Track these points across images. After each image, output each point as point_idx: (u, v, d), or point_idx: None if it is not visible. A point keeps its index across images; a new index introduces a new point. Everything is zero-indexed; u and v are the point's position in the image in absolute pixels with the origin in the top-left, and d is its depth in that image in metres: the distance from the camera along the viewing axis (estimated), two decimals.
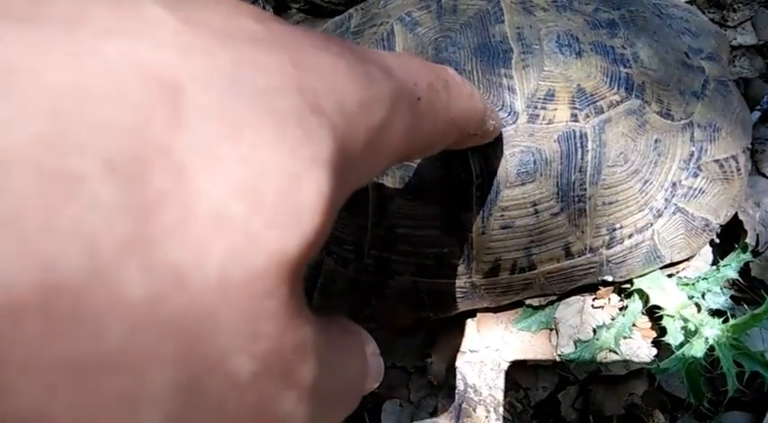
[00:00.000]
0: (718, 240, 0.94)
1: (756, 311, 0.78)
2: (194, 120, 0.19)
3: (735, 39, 1.10)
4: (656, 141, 0.74)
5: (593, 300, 0.95)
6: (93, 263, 0.17)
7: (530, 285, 0.82)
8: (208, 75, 0.20)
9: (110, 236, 0.17)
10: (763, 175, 0.94)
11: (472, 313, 0.93)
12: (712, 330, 0.81)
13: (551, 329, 0.95)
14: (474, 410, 0.91)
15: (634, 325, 0.93)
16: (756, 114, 1.02)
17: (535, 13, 0.74)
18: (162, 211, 0.18)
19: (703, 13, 1.12)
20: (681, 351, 0.80)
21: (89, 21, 0.19)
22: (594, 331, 0.91)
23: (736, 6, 1.12)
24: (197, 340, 0.19)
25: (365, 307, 0.85)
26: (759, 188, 0.93)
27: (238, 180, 0.20)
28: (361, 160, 0.27)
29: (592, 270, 0.81)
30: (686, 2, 1.08)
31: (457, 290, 0.81)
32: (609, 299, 0.95)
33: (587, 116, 0.71)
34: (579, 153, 0.71)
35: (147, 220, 0.18)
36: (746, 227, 0.88)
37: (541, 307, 0.93)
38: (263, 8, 1.10)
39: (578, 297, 0.95)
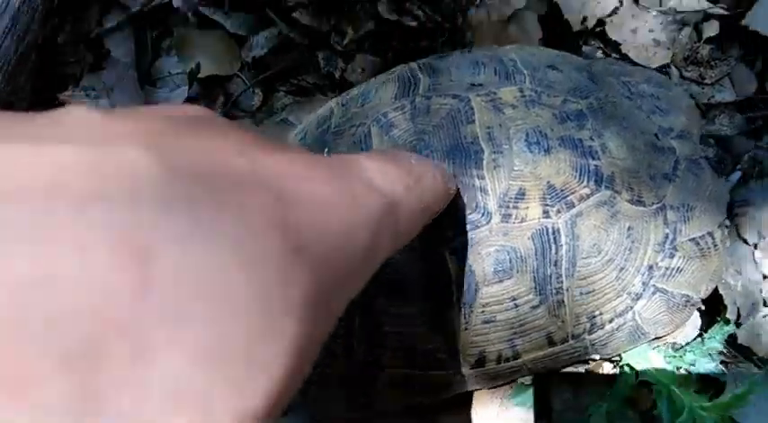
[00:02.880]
0: (704, 306, 0.95)
1: (738, 392, 0.79)
2: (163, 285, 0.19)
3: (713, 96, 1.12)
4: (628, 229, 0.76)
5: (586, 371, 0.96)
6: None
7: (517, 372, 0.83)
8: (185, 231, 0.20)
9: None
10: (744, 241, 0.95)
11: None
12: (700, 408, 0.82)
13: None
14: None
15: (628, 396, 0.93)
16: (737, 174, 1.03)
17: (504, 110, 0.76)
18: (117, 397, 0.18)
19: (680, 72, 1.14)
20: None
21: (63, 189, 0.19)
22: (587, 408, 0.92)
23: (713, 63, 1.14)
24: None
25: (360, 396, 0.86)
26: (740, 255, 0.95)
27: (201, 345, 0.20)
28: (348, 280, 0.28)
29: (577, 353, 0.82)
30: (662, 65, 1.10)
31: (447, 379, 0.83)
32: (602, 367, 0.96)
33: (559, 211, 0.73)
34: (553, 248, 0.73)
35: (100, 413, 0.18)
36: (726, 301, 0.90)
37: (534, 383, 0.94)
38: (253, 92, 1.14)
39: (571, 369, 0.96)
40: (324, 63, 1.08)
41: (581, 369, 0.96)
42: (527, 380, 0.92)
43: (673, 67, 1.13)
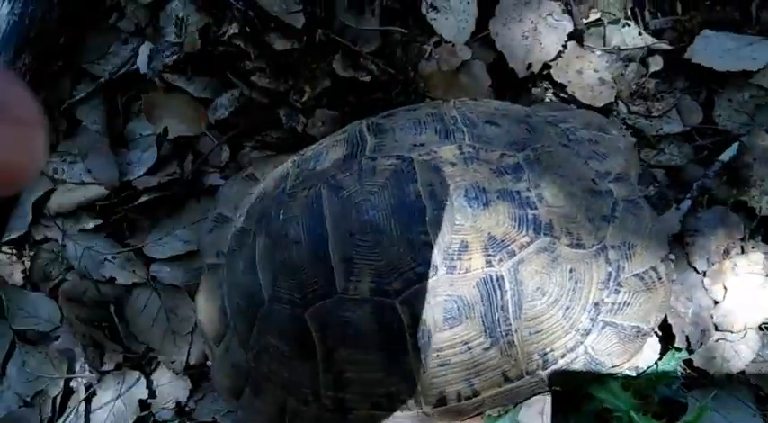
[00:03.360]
0: (660, 332, 0.99)
1: (691, 417, 0.83)
2: None
3: (661, 128, 1.17)
4: (570, 271, 0.81)
5: (553, 400, 1.00)
6: None
7: (480, 407, 0.87)
8: None
9: None
10: (694, 269, 1.00)
11: None
12: None
13: None
14: None
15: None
16: (687, 203, 1.08)
17: (444, 168, 0.81)
18: None
19: (628, 107, 1.19)
20: None
21: None
22: None
23: (659, 96, 1.19)
24: None
25: None
26: (690, 282, 0.99)
27: None
28: None
29: (535, 387, 0.86)
30: (607, 103, 1.16)
31: (413, 418, 0.87)
32: (567, 397, 1.00)
33: (501, 260, 0.78)
34: (498, 294, 0.78)
35: None
36: (675, 331, 0.94)
37: (503, 413, 0.98)
38: (220, 149, 1.19)
39: (539, 397, 1.00)
40: (285, 119, 1.13)
41: (549, 397, 1.00)
42: (494, 412, 0.95)
43: (620, 103, 1.18)
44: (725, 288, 0.97)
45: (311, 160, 0.91)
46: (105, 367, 1.13)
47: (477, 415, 0.93)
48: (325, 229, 0.81)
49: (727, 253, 1.00)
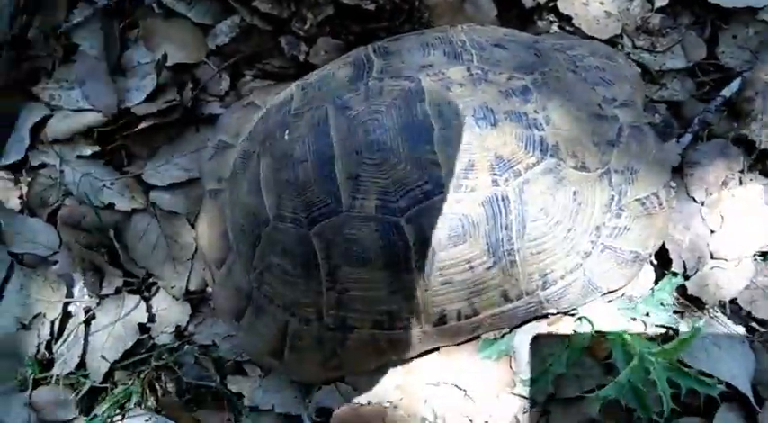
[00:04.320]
0: (656, 261, 1.01)
1: (683, 337, 0.85)
2: None
3: (665, 64, 1.17)
4: (574, 193, 0.82)
5: (548, 325, 1.02)
6: None
7: (478, 327, 0.89)
8: None
9: None
10: (693, 199, 1.01)
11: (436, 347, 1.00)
12: (649, 355, 0.88)
13: (511, 356, 1.02)
14: None
15: (587, 346, 0.99)
16: (688, 137, 1.09)
17: (453, 89, 0.81)
18: None
19: (633, 41, 1.18)
20: (620, 376, 0.87)
21: None
22: (547, 358, 0.97)
23: (664, 31, 1.19)
24: None
25: (332, 357, 0.92)
26: (688, 212, 1.00)
27: None
28: None
29: (533, 308, 0.88)
30: (613, 35, 1.15)
31: (413, 337, 0.89)
32: (561, 321, 1.02)
33: (507, 180, 0.79)
34: (503, 213, 0.79)
35: None
36: (672, 256, 0.95)
37: (498, 337, 1.00)
38: (220, 77, 1.18)
39: (533, 324, 1.02)
40: (287, 47, 1.12)
41: (543, 323, 1.02)
42: (490, 335, 0.97)
43: (625, 38, 1.17)
44: (722, 218, 0.99)
45: (317, 83, 0.90)
46: (104, 292, 1.14)
47: (474, 338, 0.95)
48: (332, 148, 0.81)
49: (725, 184, 1.01)
